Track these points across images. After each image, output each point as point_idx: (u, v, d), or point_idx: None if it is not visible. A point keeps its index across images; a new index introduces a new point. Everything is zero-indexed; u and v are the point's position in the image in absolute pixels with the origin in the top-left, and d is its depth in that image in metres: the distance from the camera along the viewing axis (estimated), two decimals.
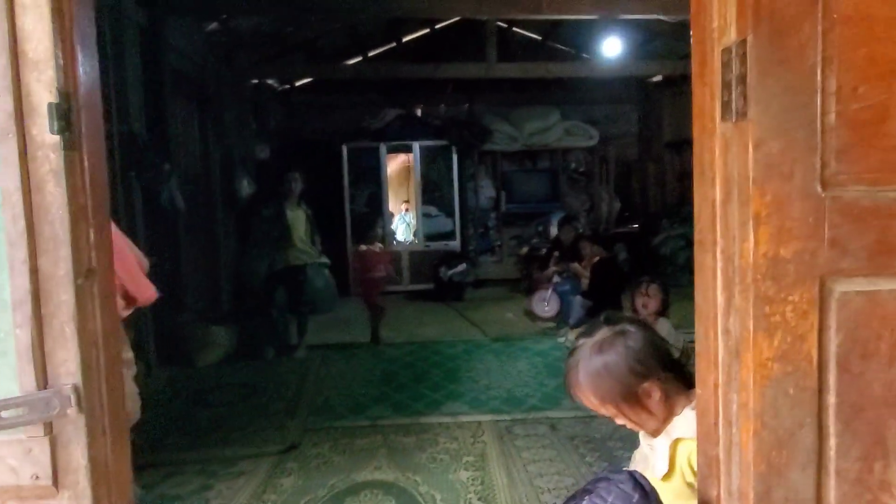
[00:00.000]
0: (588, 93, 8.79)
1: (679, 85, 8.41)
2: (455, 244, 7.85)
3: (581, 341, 1.27)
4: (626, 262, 7.14)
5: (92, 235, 0.97)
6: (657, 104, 9.22)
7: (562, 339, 4.91)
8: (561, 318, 5.43)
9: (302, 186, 4.90)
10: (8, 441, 0.92)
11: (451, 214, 7.97)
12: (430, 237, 7.94)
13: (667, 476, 1.24)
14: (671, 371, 1.27)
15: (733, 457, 1.06)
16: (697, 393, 1.16)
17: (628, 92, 9.19)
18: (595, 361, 1.23)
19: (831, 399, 1.00)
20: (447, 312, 6.43)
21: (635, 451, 1.43)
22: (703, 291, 1.12)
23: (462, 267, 7.00)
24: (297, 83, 8.20)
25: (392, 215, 8.22)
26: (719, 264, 1.08)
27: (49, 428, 0.93)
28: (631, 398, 1.23)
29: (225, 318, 5.00)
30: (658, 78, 8.66)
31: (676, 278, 6.70)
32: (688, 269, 7.23)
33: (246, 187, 5.55)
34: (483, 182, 8.04)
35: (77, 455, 0.93)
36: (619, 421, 1.27)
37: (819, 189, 0.99)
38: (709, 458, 1.12)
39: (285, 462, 2.89)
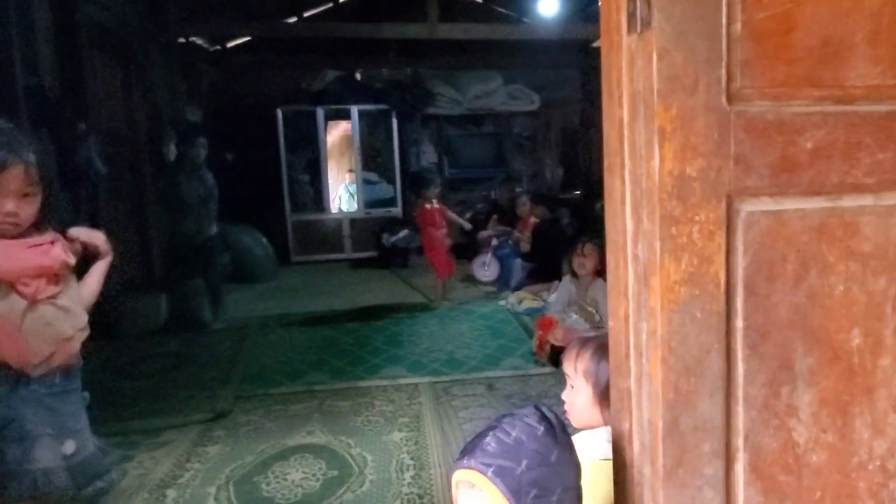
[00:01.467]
0: (531, 57, 8.71)
1: None
2: (397, 211, 7.73)
3: None
4: (569, 226, 7.19)
5: None
6: (599, 70, 9.21)
7: (503, 303, 4.90)
8: (502, 282, 5.42)
9: (205, 153, 4.61)
10: None
11: (392, 181, 7.83)
12: (371, 204, 7.79)
13: None
14: None
15: (643, 387, 1.02)
16: (610, 326, 1.12)
17: (570, 57, 9.15)
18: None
19: (739, 323, 0.97)
20: (391, 279, 6.35)
21: None
22: (613, 218, 1.07)
23: (405, 233, 6.90)
24: (231, 44, 7.84)
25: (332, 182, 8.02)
26: (628, 187, 1.02)
27: None
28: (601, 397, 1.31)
29: (155, 287, 4.78)
30: (598, 43, 8.62)
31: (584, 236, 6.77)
32: None
33: (173, 150, 5.28)
34: (425, 147, 7.92)
35: None
36: (566, 395, 1.38)
37: (725, 103, 0.94)
38: (620, 391, 1.09)
39: (213, 430, 2.78)
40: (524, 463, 0.90)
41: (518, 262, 5.17)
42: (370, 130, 7.73)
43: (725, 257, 0.96)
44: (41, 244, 1.38)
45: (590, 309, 3.45)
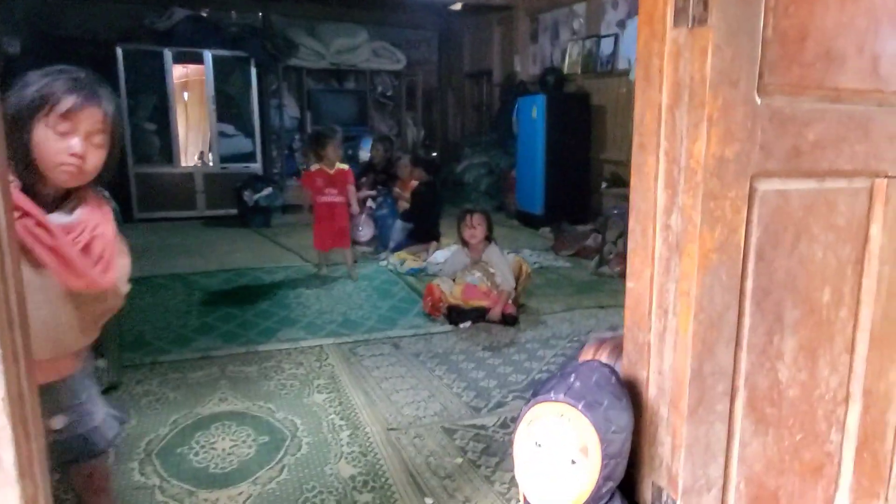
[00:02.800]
0: (391, 14, 8.62)
1: (480, 14, 8.66)
2: (257, 166, 7.34)
3: None
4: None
5: None
6: (457, 33, 9.40)
7: (384, 263, 4.94)
8: (379, 243, 5.45)
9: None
10: None
11: (250, 134, 7.40)
12: (228, 158, 7.31)
13: None
14: None
15: (667, 340, 1.17)
16: (630, 287, 1.24)
17: (429, 18, 9.22)
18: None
19: (749, 284, 1.15)
20: (257, 238, 6.07)
21: None
22: (643, 192, 1.19)
23: (268, 191, 6.60)
24: None
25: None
26: (662, 165, 1.14)
27: None
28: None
29: None
30: (457, 6, 8.78)
31: (479, 203, 7.11)
32: (489, 194, 7.70)
33: None
34: (287, 100, 7.56)
35: None
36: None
37: (756, 97, 1.09)
38: (639, 344, 1.23)
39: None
40: (606, 402, 1.01)
41: (397, 223, 5.22)
42: (226, 78, 7.18)
43: (745, 228, 1.13)
44: (100, 260, 1.25)
45: (490, 269, 3.64)
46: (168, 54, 6.84)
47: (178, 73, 7.19)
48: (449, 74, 9.62)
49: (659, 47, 1.14)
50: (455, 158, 8.36)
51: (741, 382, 1.18)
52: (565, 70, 6.79)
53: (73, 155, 1.19)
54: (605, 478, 1.03)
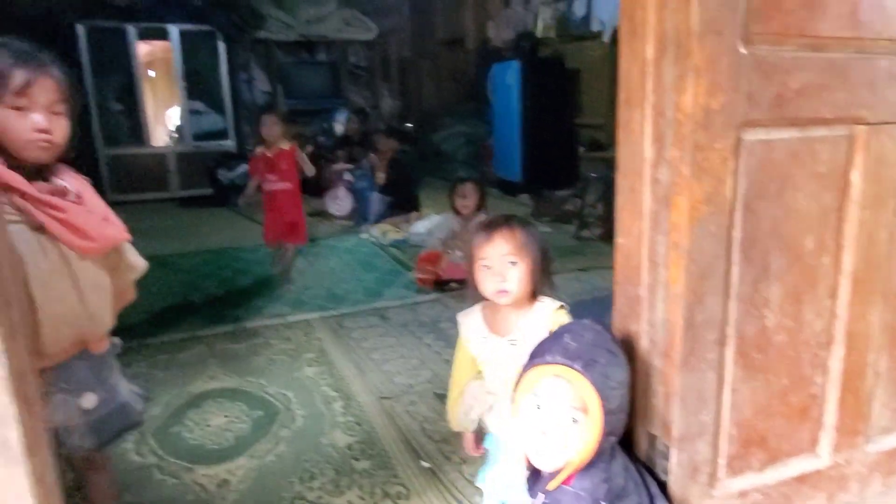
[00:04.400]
0: None
1: None
2: (230, 144, 7.21)
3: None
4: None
5: None
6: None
7: (365, 236, 4.92)
8: (358, 216, 5.41)
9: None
10: None
11: (222, 111, 7.25)
12: (200, 136, 7.17)
13: None
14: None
15: (658, 293, 1.19)
16: (619, 243, 1.26)
17: None
18: (532, 228, 1.32)
19: (736, 234, 1.17)
20: (234, 218, 5.99)
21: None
22: (630, 147, 1.19)
23: (244, 168, 6.49)
24: None
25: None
26: (649, 119, 1.15)
27: None
28: (536, 265, 1.29)
29: None
30: None
31: (465, 173, 7.08)
32: (468, 164, 7.67)
33: None
34: (256, 74, 7.41)
35: None
36: (507, 276, 1.28)
37: (741, 47, 1.09)
38: (630, 298, 1.25)
39: None
40: (602, 359, 1.02)
41: (376, 195, 5.18)
42: (193, 54, 6.99)
43: (733, 179, 1.14)
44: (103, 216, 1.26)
45: None
46: (132, 30, 6.63)
47: (145, 50, 6.99)
48: (422, 42, 9.47)
49: None
50: (433, 128, 8.28)
51: (731, 331, 1.21)
52: (539, 34, 6.73)
53: (39, 130, 1.15)
54: (607, 433, 1.04)
